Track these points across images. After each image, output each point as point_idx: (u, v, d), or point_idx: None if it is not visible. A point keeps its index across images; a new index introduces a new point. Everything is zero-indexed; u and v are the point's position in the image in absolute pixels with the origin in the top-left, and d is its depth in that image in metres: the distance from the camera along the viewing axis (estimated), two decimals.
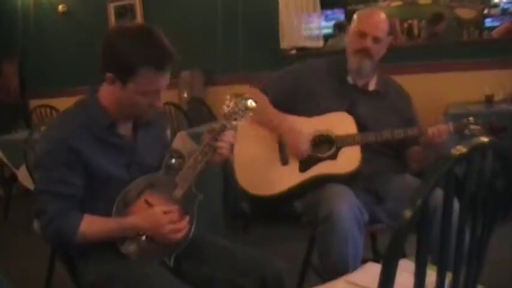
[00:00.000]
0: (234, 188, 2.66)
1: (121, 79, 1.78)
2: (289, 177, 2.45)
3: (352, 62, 2.50)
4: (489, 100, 4.39)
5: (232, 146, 2.01)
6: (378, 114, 2.48)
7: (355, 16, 2.55)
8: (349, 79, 2.55)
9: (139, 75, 1.75)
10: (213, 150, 1.95)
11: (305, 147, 2.44)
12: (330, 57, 2.68)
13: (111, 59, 1.77)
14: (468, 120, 2.43)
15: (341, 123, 2.46)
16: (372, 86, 2.57)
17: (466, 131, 2.41)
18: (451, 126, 2.41)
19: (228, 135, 1.97)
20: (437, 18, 6.74)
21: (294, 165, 2.47)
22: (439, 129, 2.37)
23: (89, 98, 1.90)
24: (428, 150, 2.45)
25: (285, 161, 2.49)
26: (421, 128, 2.43)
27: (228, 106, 1.99)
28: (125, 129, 1.92)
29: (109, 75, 1.79)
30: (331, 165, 2.42)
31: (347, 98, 2.50)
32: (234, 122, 1.98)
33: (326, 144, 2.46)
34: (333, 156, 2.43)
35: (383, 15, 2.50)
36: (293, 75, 2.61)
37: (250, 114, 2.02)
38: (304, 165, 2.45)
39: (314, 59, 2.73)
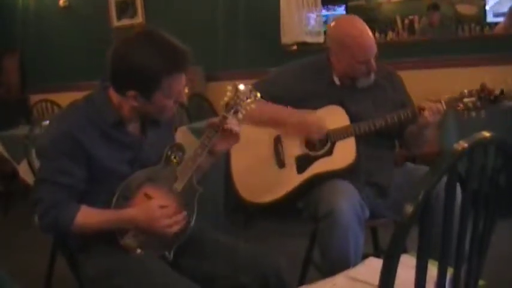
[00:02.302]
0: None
1: (145, 94, 1.78)
2: (287, 180, 2.43)
3: (362, 81, 2.45)
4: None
5: (236, 135, 1.98)
6: (371, 109, 2.45)
7: (346, 42, 2.39)
8: (336, 80, 2.50)
9: (163, 84, 1.76)
10: (213, 142, 1.94)
11: (323, 124, 2.40)
12: (306, 59, 2.63)
13: (132, 77, 1.76)
14: (461, 94, 2.37)
15: (333, 117, 2.43)
16: (360, 84, 2.50)
17: (460, 105, 2.35)
18: (443, 103, 2.36)
19: (229, 125, 1.94)
20: (432, 8, 6.75)
21: (291, 167, 2.45)
22: (431, 109, 2.33)
23: (98, 94, 1.89)
24: (425, 130, 2.42)
25: (281, 164, 2.47)
26: (413, 109, 2.38)
27: (229, 97, 1.96)
28: (133, 126, 1.92)
29: (131, 93, 1.78)
30: (328, 162, 2.40)
31: (336, 99, 2.45)
32: (234, 113, 1.95)
33: (321, 141, 2.44)
34: (329, 152, 2.41)
35: (367, 27, 2.41)
36: (279, 81, 2.56)
37: (252, 106, 1.99)
38: (301, 166, 2.43)
39: (294, 62, 2.67)
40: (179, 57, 1.77)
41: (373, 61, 2.40)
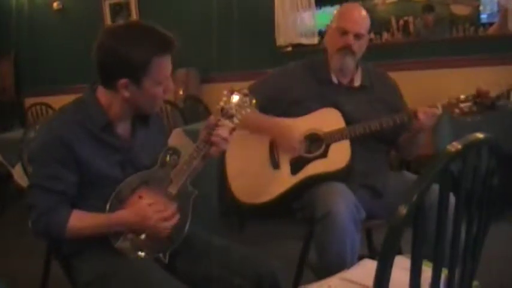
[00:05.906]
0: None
1: (135, 80, 1.77)
2: (281, 181, 2.44)
3: (335, 60, 2.47)
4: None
5: (227, 141, 1.96)
6: (366, 110, 2.45)
7: (335, 12, 2.53)
8: (333, 78, 2.51)
9: (152, 67, 1.76)
10: (209, 146, 1.93)
11: (298, 145, 2.42)
12: (306, 58, 2.65)
13: (120, 64, 1.75)
14: (457, 99, 2.37)
15: (328, 120, 2.43)
16: (357, 82, 2.53)
17: (456, 110, 2.35)
18: (439, 107, 2.35)
19: (222, 130, 1.93)
20: (427, 9, 6.77)
21: (285, 168, 2.45)
22: (426, 113, 2.32)
23: (87, 97, 1.88)
24: (419, 134, 2.42)
25: (276, 165, 2.47)
26: (408, 113, 2.38)
27: (224, 101, 1.95)
28: (122, 128, 1.91)
29: (122, 81, 1.77)
30: (322, 164, 2.40)
31: (331, 98, 2.46)
32: (229, 118, 1.93)
33: (316, 143, 2.44)
34: (323, 155, 2.41)
35: (363, 11, 2.48)
36: (275, 83, 2.58)
37: (248, 110, 1.97)
38: (296, 167, 2.43)
39: (292, 62, 2.68)
40: (163, 39, 1.78)
41: (351, 38, 2.42)
